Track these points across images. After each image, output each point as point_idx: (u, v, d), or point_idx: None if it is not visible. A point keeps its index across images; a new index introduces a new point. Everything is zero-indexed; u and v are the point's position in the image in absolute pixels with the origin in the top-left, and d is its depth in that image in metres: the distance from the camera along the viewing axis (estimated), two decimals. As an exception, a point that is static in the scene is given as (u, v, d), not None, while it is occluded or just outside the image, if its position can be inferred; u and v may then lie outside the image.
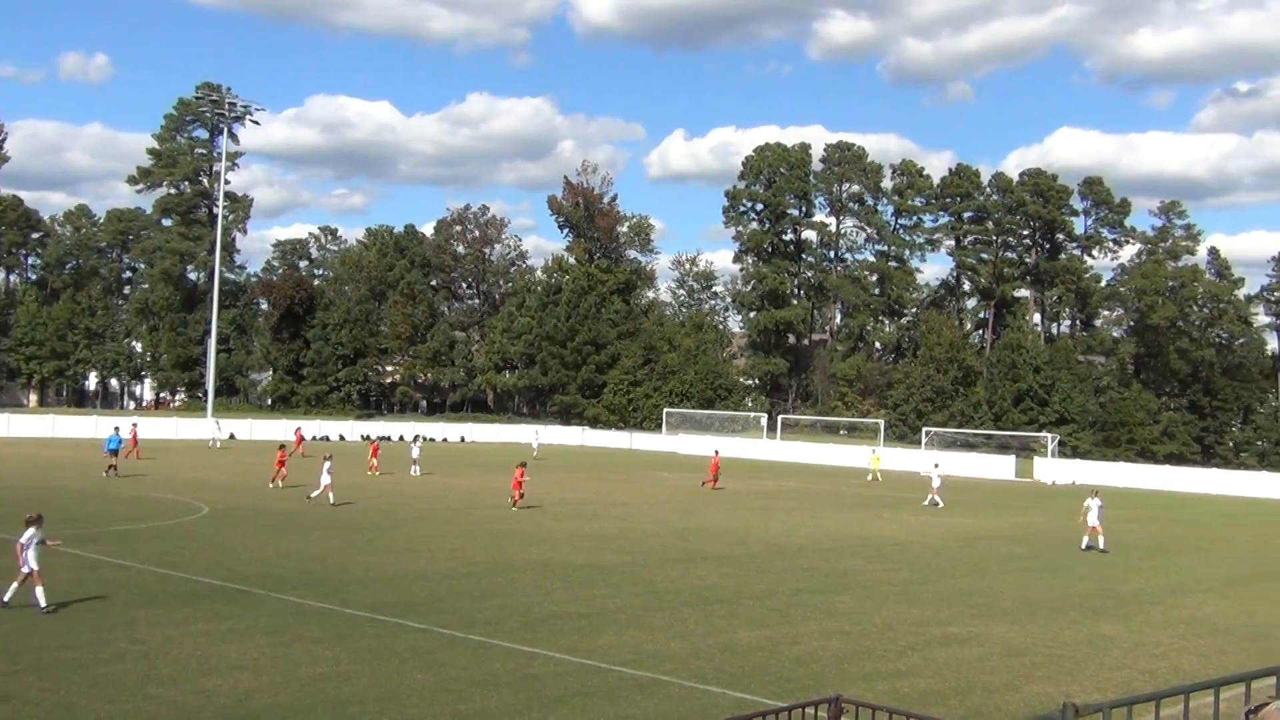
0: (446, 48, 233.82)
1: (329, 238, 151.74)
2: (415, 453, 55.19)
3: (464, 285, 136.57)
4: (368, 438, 79.69)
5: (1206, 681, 7.42)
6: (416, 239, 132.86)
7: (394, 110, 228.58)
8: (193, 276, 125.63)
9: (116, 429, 51.77)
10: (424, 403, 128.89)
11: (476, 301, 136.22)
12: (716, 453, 57.93)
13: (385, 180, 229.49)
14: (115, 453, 48.39)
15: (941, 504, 48.76)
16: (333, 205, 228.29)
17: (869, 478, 64.83)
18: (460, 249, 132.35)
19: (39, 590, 19.21)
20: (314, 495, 39.40)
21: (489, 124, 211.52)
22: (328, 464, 39.33)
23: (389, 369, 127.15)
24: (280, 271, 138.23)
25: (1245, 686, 7.47)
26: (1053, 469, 74.32)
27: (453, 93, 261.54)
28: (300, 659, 16.72)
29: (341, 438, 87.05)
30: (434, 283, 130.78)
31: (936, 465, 53.49)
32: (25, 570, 19.34)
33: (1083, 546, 34.89)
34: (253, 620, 19.30)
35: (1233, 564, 34.11)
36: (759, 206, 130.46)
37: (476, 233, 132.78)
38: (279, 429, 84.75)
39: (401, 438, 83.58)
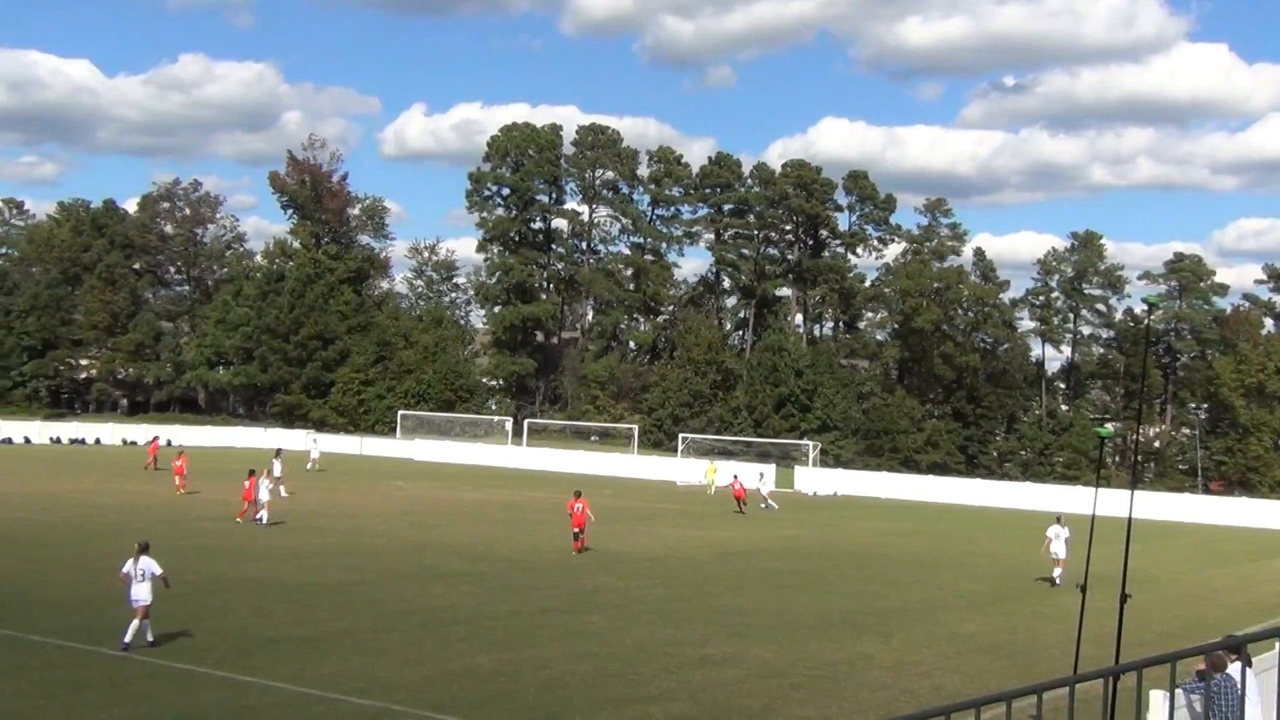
0: (156, 1, 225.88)
1: (14, 212, 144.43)
2: (315, 453, 66.61)
3: (172, 270, 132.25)
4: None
5: (968, 701, 7.75)
6: (117, 216, 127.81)
7: (94, 69, 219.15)
8: None
9: None
10: (124, 401, 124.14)
11: (186, 288, 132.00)
12: (735, 477, 59.55)
13: (82, 148, 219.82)
14: None
15: (776, 506, 58.15)
16: (18, 175, 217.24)
17: (710, 491, 66.67)
18: (168, 229, 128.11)
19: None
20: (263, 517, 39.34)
21: (204, 89, 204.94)
22: (266, 481, 40.46)
23: (84, 363, 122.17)
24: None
25: (1006, 706, 7.82)
26: (814, 479, 76.56)
27: (163, 52, 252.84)
28: (-26, 694, 15.92)
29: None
30: (137, 266, 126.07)
31: (761, 475, 62.68)
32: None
33: (1056, 581, 33.75)
34: (-83, 651, 18.30)
35: (995, 579, 35.72)
36: (505, 191, 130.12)
37: (187, 211, 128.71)
38: None
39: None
